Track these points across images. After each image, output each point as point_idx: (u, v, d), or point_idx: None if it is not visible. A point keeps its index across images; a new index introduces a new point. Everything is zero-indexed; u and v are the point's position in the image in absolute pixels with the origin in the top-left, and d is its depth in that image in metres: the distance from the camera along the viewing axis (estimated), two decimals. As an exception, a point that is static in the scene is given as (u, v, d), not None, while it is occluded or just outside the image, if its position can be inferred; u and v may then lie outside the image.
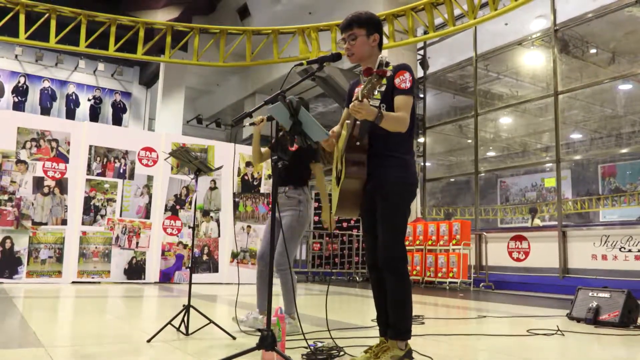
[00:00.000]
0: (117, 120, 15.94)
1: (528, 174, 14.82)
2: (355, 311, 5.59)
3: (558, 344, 3.55)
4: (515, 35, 10.61)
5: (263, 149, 3.84)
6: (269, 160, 3.79)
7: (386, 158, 2.52)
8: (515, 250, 9.41)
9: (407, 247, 9.88)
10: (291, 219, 3.61)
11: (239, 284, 3.58)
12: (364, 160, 2.50)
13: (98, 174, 8.21)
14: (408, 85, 2.47)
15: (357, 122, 2.45)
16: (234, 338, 3.22)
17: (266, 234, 3.71)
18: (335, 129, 2.77)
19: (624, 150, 11.60)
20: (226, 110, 17.89)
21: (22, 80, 14.70)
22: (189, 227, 8.62)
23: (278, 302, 3.63)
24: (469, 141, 12.72)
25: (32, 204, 7.68)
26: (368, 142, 2.50)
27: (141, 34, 11.47)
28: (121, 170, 8.39)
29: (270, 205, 3.76)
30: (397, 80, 2.47)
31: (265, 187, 9.36)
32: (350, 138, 2.48)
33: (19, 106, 14.37)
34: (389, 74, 2.48)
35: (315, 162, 3.68)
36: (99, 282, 7.90)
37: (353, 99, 2.30)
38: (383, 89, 2.48)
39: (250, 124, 3.56)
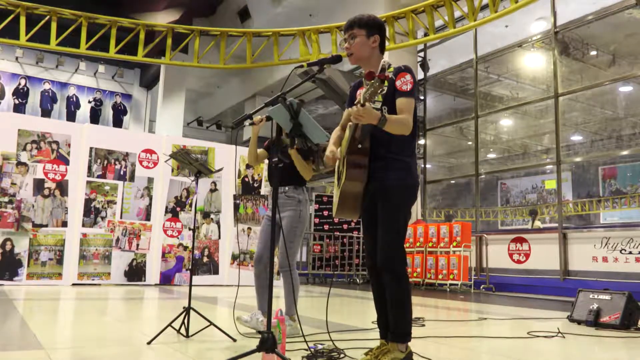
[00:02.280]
0: (117, 122, 15.95)
1: (528, 176, 14.81)
2: (355, 313, 5.58)
3: (559, 346, 3.54)
4: (516, 37, 10.61)
5: (259, 150, 3.84)
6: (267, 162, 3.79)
7: (388, 160, 2.51)
8: (516, 252, 9.40)
9: (407, 249, 9.90)
10: (292, 219, 3.61)
11: (238, 286, 3.58)
12: (365, 163, 2.49)
13: (98, 176, 8.21)
14: (409, 87, 2.46)
15: (359, 125, 2.45)
16: (234, 340, 3.22)
17: (263, 235, 3.70)
18: (336, 131, 2.76)
19: (625, 152, 11.61)
20: (227, 112, 17.90)
21: (22, 82, 14.72)
22: (190, 229, 8.62)
23: (278, 303, 3.63)
24: (470, 143, 12.72)
25: (33, 206, 7.68)
26: (370, 145, 2.49)
27: (142, 36, 11.49)
28: (121, 172, 8.39)
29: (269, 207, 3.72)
30: (398, 83, 2.47)
31: (266, 188, 9.35)
32: (352, 141, 2.48)
33: (19, 108, 14.38)
34: (390, 76, 2.48)
35: (311, 160, 3.67)
36: (99, 284, 7.89)
37: (355, 102, 2.29)
38: (384, 91, 2.48)
39: (250, 124, 3.56)
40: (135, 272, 8.21)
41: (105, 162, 8.29)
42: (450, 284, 9.07)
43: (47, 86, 15.02)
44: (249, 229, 9.14)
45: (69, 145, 8.06)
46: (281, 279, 3.63)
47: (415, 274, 9.67)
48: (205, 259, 8.76)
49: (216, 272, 8.81)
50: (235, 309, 3.80)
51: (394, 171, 2.51)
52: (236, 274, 8.67)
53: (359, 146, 2.46)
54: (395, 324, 2.49)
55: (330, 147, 2.67)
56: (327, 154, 2.65)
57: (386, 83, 2.40)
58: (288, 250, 3.45)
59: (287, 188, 3.63)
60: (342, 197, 2.53)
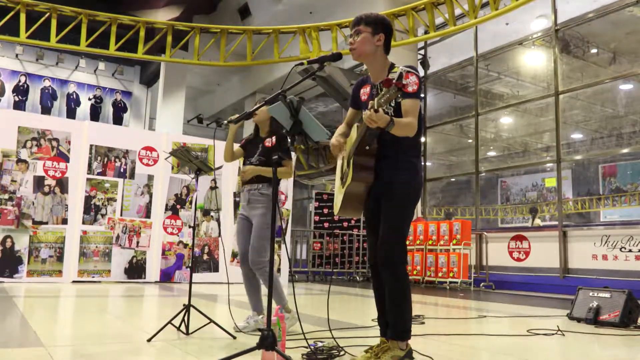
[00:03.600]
0: (117, 120, 15.94)
1: (529, 174, 14.83)
2: (355, 311, 5.59)
3: (558, 344, 3.55)
4: (516, 35, 10.60)
5: (235, 148, 3.84)
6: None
7: (395, 161, 2.54)
8: (516, 250, 9.41)
9: (407, 247, 9.92)
10: (266, 217, 3.59)
11: (228, 283, 3.58)
12: (372, 165, 2.52)
13: (98, 174, 8.21)
14: (415, 88, 2.46)
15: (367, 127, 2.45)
16: (234, 337, 3.22)
17: (243, 234, 3.69)
18: (341, 127, 2.76)
19: (625, 150, 11.59)
20: (227, 109, 17.88)
21: (22, 79, 14.70)
22: (190, 227, 8.62)
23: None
24: (470, 141, 12.72)
25: (33, 203, 7.68)
26: (377, 146, 2.51)
27: (142, 33, 11.47)
28: (122, 170, 8.39)
29: (240, 204, 3.73)
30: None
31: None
32: (360, 143, 2.49)
33: (19, 105, 14.38)
34: (395, 76, 2.48)
35: (287, 159, 3.62)
36: (100, 282, 7.90)
37: (369, 107, 2.25)
38: (400, 98, 2.48)
39: (228, 122, 3.53)
40: (136, 270, 8.22)
41: (106, 159, 8.29)
42: (450, 282, 9.08)
43: (47, 83, 15.01)
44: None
45: (69, 142, 8.05)
46: (258, 277, 3.63)
47: (415, 272, 9.68)
48: (205, 257, 8.76)
49: (216, 269, 8.81)
50: (230, 306, 3.81)
51: (400, 171, 2.53)
52: (236, 271, 8.64)
53: (367, 148, 2.48)
54: (395, 322, 2.50)
55: (337, 137, 2.67)
56: (333, 142, 2.63)
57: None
58: (263, 247, 3.46)
59: (260, 185, 3.62)
60: (347, 197, 2.54)
